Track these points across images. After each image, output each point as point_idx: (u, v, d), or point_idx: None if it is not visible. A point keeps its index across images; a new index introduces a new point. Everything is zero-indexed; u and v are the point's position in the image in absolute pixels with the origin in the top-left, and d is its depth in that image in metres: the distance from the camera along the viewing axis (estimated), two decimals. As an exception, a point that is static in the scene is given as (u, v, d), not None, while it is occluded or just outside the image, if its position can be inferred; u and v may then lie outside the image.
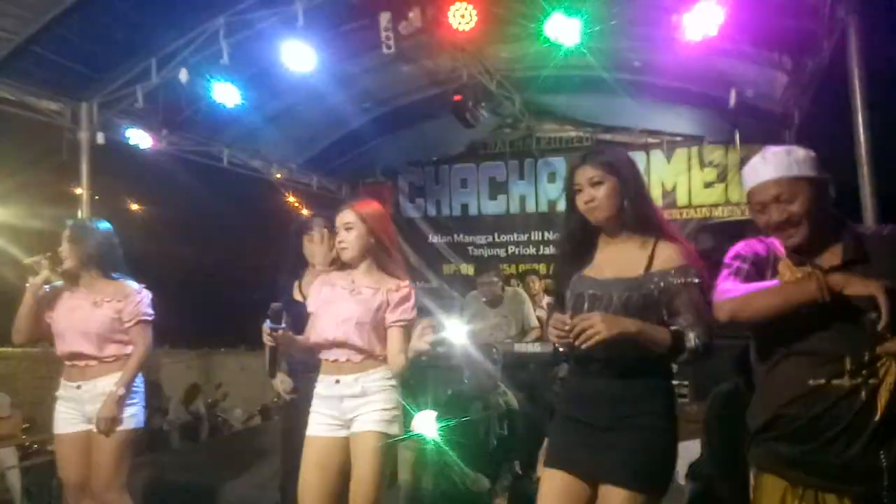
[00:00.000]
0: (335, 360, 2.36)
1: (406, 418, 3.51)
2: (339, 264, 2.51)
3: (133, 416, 2.76)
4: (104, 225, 2.88)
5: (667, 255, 1.80)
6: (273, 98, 5.11)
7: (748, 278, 1.68)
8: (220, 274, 12.90)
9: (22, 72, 3.84)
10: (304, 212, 9.83)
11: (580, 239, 1.91)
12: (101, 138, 4.26)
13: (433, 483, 3.40)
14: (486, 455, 3.24)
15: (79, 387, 2.72)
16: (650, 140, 6.48)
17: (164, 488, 3.80)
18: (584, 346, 1.67)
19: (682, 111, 5.95)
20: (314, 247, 2.93)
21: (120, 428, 2.70)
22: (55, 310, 2.75)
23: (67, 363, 2.75)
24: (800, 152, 1.65)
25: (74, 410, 2.74)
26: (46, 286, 2.76)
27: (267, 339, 2.27)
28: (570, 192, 1.89)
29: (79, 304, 2.75)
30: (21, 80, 3.91)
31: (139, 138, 4.65)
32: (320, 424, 2.38)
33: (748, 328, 1.77)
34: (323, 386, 2.39)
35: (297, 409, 2.86)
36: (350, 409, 2.33)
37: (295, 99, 5.24)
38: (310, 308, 2.48)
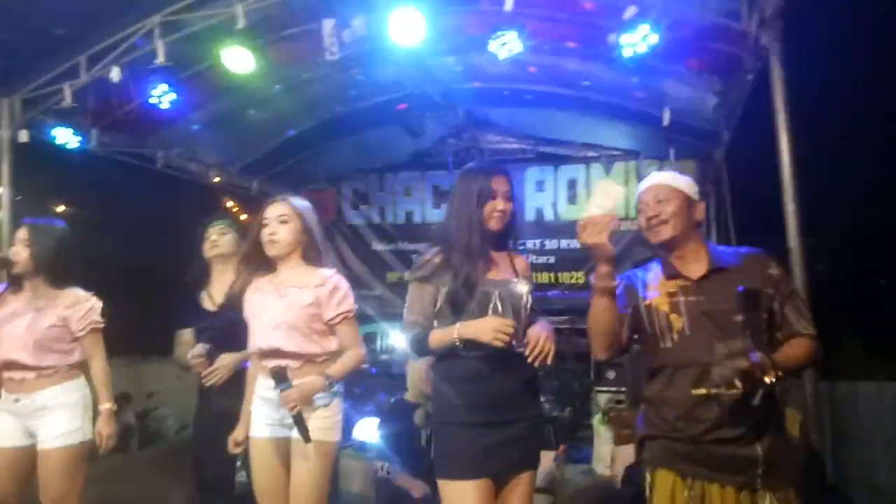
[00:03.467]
0: (273, 366, 2.28)
1: (348, 425, 3.49)
2: (251, 260, 2.40)
3: (80, 428, 2.60)
4: (62, 227, 2.70)
5: (524, 265, 2.24)
6: (212, 100, 4.97)
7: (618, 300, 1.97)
8: (152, 280, 12.41)
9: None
10: (244, 217, 9.60)
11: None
12: (24, 136, 4.03)
13: (374, 490, 3.38)
14: (427, 462, 3.24)
15: (17, 400, 2.56)
16: (590, 153, 6.64)
17: (94, 500, 3.62)
18: (548, 361, 1.95)
19: (621, 127, 6.14)
20: (221, 240, 2.92)
21: (66, 443, 2.55)
22: None
23: (4, 374, 2.57)
24: (686, 177, 1.99)
25: (13, 424, 2.56)
26: None
27: (289, 407, 2.18)
28: (485, 196, 2.11)
29: (20, 309, 2.58)
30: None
31: (66, 138, 4.43)
32: (264, 426, 2.33)
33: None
34: (265, 389, 2.33)
35: (206, 425, 2.80)
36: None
37: (235, 102, 5.12)
38: (247, 319, 2.40)
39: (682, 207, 1.91)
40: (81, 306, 2.64)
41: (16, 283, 2.65)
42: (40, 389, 2.55)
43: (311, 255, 2.38)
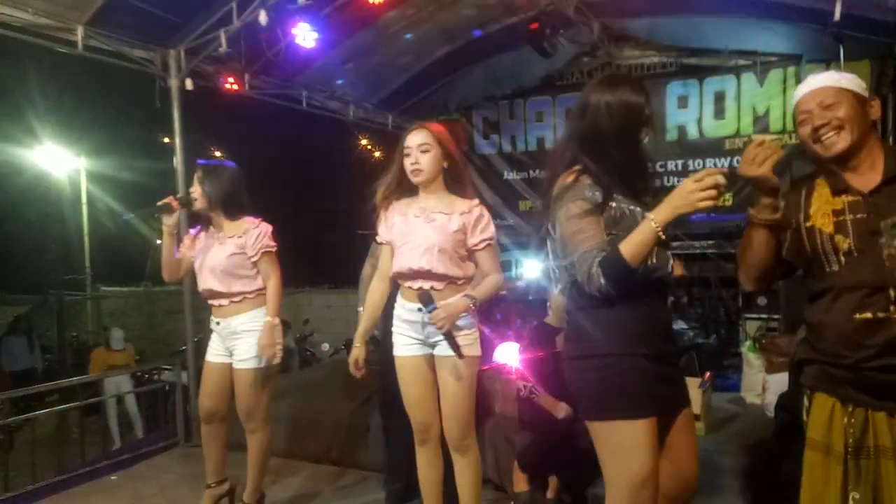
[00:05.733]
0: (419, 289, 2.39)
1: (489, 349, 3.63)
2: (395, 189, 2.46)
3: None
4: (230, 166, 2.97)
5: None
6: (349, 36, 5.10)
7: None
8: (301, 216, 13.37)
9: (115, 21, 3.99)
10: (377, 154, 9.94)
11: None
12: (189, 84, 4.40)
13: (516, 409, 3.51)
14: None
15: (218, 323, 2.94)
16: (741, 62, 6.05)
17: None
18: None
19: (779, 28, 5.49)
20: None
21: (250, 366, 2.87)
22: (194, 250, 2.95)
23: (208, 301, 2.95)
24: (847, 74, 1.72)
25: (218, 343, 2.97)
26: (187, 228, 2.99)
27: (437, 326, 2.27)
28: (644, 115, 1.81)
29: (209, 243, 2.92)
30: (114, 29, 4.07)
31: (225, 83, 4.78)
32: (406, 346, 2.49)
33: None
34: (405, 311, 2.46)
35: (386, 348, 2.99)
36: (432, 334, 2.40)
37: (370, 37, 5.22)
38: (382, 239, 2.51)
39: (855, 108, 1.66)
40: (252, 232, 2.87)
41: (204, 222, 2.98)
42: (233, 315, 2.87)
43: (453, 181, 2.44)
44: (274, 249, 2.92)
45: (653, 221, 1.64)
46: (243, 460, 3.05)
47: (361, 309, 3.32)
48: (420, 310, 2.37)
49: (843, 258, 1.67)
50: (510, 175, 7.45)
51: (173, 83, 4.35)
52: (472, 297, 2.34)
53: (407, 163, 2.37)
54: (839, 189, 1.69)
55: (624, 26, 5.97)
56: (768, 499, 2.91)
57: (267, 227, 2.92)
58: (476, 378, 2.47)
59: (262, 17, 3.97)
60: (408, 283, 2.43)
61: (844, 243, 1.65)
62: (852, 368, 1.65)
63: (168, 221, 2.86)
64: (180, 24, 4.22)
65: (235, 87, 4.84)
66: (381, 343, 3.17)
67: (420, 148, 2.35)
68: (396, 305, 2.52)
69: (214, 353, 2.96)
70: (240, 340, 2.87)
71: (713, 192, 1.57)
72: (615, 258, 1.66)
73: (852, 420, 1.66)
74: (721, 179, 1.58)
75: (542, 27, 4.98)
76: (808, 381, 1.80)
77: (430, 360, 2.46)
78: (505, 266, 6.70)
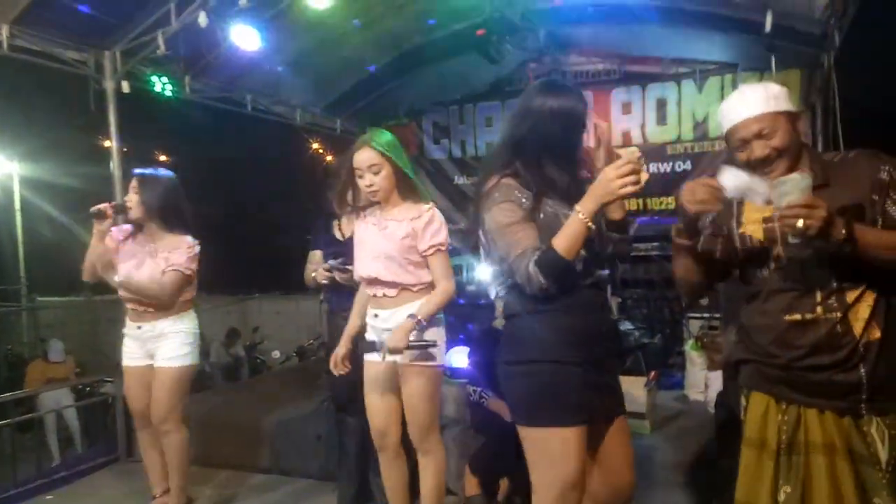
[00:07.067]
0: (374, 296, 2.48)
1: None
2: (356, 203, 2.52)
3: (186, 354, 2.99)
4: (168, 176, 2.96)
5: None
6: (294, 40, 5.02)
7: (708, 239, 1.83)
8: (249, 221, 13.12)
9: (44, 21, 3.82)
10: (329, 158, 9.84)
11: None
12: (125, 87, 4.25)
13: (467, 413, 3.52)
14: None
15: (139, 327, 2.95)
16: (681, 69, 6.24)
17: (211, 424, 4.02)
18: None
19: (716, 37, 5.69)
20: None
21: (175, 365, 2.93)
22: (119, 255, 2.93)
23: (129, 306, 2.95)
24: (775, 87, 1.71)
25: (136, 347, 2.99)
26: (115, 228, 2.94)
27: (399, 355, 2.37)
28: (582, 123, 1.86)
29: (137, 252, 2.93)
30: (43, 29, 3.89)
31: (163, 86, 4.65)
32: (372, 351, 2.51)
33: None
34: (369, 318, 2.53)
35: (331, 351, 2.98)
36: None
37: (316, 41, 5.15)
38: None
39: (790, 132, 1.68)
40: (179, 250, 2.91)
41: (136, 227, 2.98)
42: (159, 319, 2.94)
43: (406, 190, 2.46)
44: (183, 272, 2.91)
45: (580, 213, 1.66)
46: (203, 475, 3.02)
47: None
48: (376, 315, 2.47)
49: (772, 263, 1.74)
50: (460, 180, 7.48)
51: (108, 85, 4.20)
52: (414, 317, 2.37)
53: (362, 185, 2.40)
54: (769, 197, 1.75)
55: (569, 33, 6.07)
56: (709, 493, 3.00)
57: (193, 251, 2.95)
58: (437, 386, 2.51)
59: (202, 19, 3.87)
60: (368, 290, 2.50)
61: (774, 249, 1.72)
62: (784, 368, 1.72)
63: (100, 227, 2.84)
64: (116, 25, 4.08)
65: (175, 90, 4.70)
66: (327, 349, 3.18)
67: (371, 169, 2.36)
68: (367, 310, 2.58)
69: (133, 357, 3.01)
70: (164, 341, 2.94)
71: (633, 178, 1.59)
72: (550, 255, 1.69)
73: (785, 417, 1.73)
74: (637, 162, 1.60)
75: (488, 33, 5.03)
76: (744, 380, 1.87)
77: (393, 367, 2.47)
78: (456, 270, 6.72)
